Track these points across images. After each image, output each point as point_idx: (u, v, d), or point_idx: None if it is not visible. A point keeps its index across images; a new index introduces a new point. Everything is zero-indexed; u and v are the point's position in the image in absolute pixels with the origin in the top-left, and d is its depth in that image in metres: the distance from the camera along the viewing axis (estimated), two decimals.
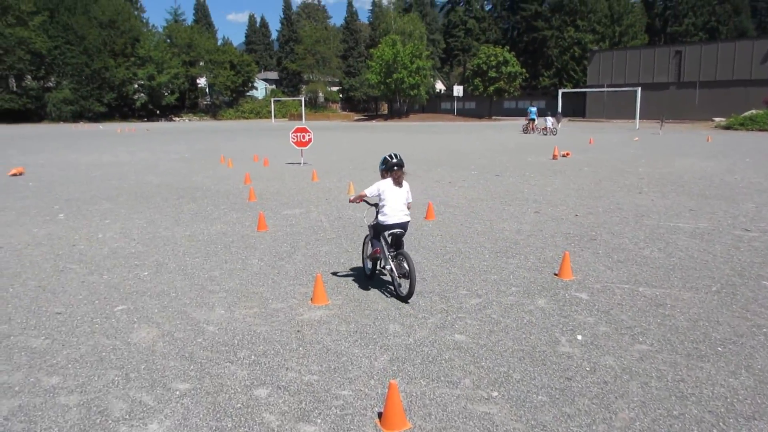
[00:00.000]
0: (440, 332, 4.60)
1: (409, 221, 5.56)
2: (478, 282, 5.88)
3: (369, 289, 5.67)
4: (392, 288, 5.59)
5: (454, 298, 5.41)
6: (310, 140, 17.50)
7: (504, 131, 39.43)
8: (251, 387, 3.70)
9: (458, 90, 75.27)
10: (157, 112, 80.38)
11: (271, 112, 77.69)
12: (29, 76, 71.63)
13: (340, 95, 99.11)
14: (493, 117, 69.13)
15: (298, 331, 4.65)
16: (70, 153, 23.12)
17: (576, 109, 61.63)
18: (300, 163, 17.83)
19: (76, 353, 4.26)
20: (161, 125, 63.10)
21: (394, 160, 5.49)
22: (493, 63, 61.85)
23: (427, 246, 7.39)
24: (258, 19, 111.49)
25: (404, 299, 5.34)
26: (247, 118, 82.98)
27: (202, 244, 7.61)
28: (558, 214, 9.45)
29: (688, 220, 8.89)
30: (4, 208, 10.53)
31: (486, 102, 71.57)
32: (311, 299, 5.34)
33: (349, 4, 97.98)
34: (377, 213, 5.55)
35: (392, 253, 5.50)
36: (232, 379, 3.81)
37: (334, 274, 6.21)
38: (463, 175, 15.00)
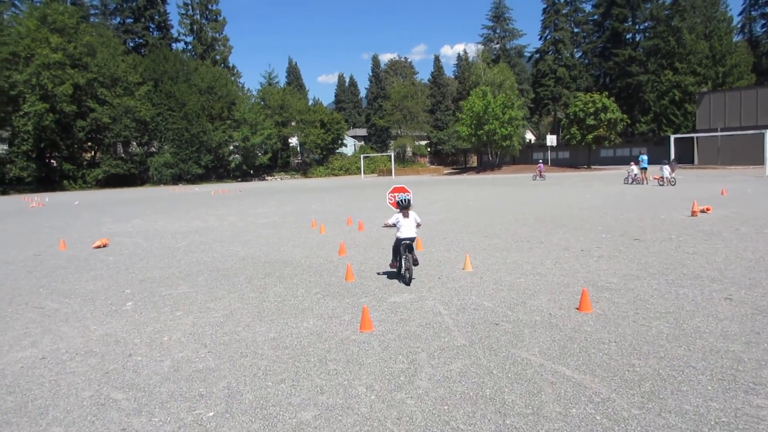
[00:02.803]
0: None
1: (415, 237, 8.81)
2: None
3: None
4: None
5: None
6: None
7: (611, 182, 36.25)
8: None
9: (551, 140, 72.38)
10: (251, 172, 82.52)
11: (360, 168, 77.81)
12: (134, 143, 75.63)
13: (428, 149, 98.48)
14: (592, 167, 65.41)
15: None
16: (161, 219, 22.55)
17: (682, 155, 57.03)
18: None
19: None
20: (254, 185, 64.13)
21: (404, 204, 8.97)
22: (591, 110, 58.71)
23: (602, 363, 5.11)
24: (347, 79, 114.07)
25: (407, 283, 8.57)
26: (336, 175, 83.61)
27: (289, 354, 5.73)
28: (761, 303, 6.91)
29: None
30: (72, 293, 9.22)
31: (581, 151, 68.17)
32: None
33: (436, 59, 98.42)
34: (396, 232, 8.87)
35: (404, 255, 8.67)
36: None
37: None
38: (594, 239, 12.55)
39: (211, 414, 4.41)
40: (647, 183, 32.77)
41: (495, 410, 4.26)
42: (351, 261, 10.76)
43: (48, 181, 67.07)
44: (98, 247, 14.53)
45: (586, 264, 9.78)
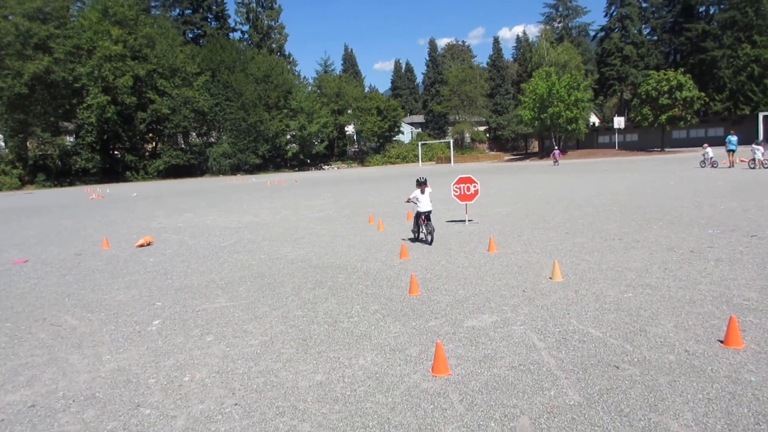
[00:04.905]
0: None
1: (431, 210, 11.14)
2: None
3: None
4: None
5: None
6: (476, 192, 14.02)
7: (691, 166, 33.26)
8: None
9: (619, 122, 68.54)
10: (308, 161, 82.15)
11: (417, 156, 76.17)
12: (194, 133, 76.38)
13: (487, 135, 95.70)
14: (666, 149, 61.46)
15: None
16: (212, 213, 21.65)
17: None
18: (465, 221, 14.34)
19: None
20: (310, 174, 63.51)
21: (421, 180, 11.20)
22: (665, 88, 54.87)
23: None
24: (403, 65, 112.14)
25: (430, 244, 11.00)
26: (393, 163, 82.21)
27: (339, 412, 4.27)
28: None
29: None
30: (99, 305, 8.08)
31: (651, 133, 64.32)
32: None
33: (495, 42, 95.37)
34: (416, 206, 11.14)
35: (423, 224, 11.15)
36: None
37: None
38: (700, 236, 10.58)
39: None
40: (734, 166, 29.78)
41: None
42: (414, 267, 9.24)
43: (112, 172, 68.53)
44: (141, 245, 13.55)
45: (704, 271, 7.92)
